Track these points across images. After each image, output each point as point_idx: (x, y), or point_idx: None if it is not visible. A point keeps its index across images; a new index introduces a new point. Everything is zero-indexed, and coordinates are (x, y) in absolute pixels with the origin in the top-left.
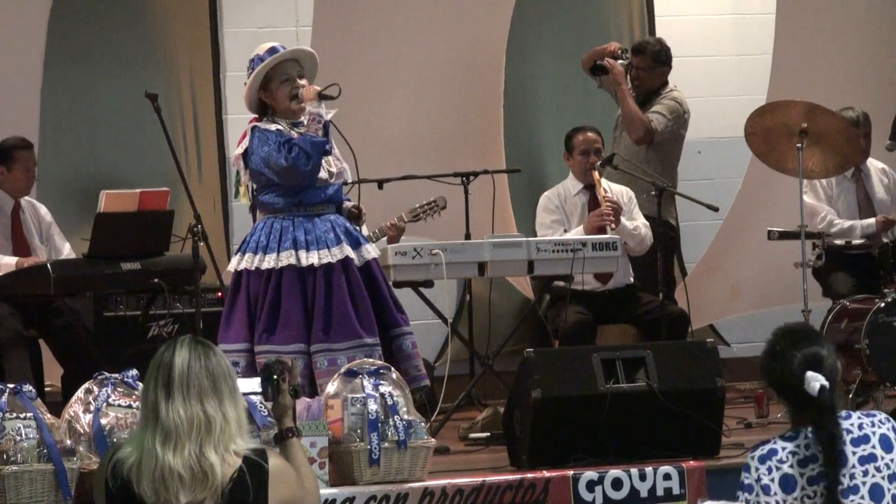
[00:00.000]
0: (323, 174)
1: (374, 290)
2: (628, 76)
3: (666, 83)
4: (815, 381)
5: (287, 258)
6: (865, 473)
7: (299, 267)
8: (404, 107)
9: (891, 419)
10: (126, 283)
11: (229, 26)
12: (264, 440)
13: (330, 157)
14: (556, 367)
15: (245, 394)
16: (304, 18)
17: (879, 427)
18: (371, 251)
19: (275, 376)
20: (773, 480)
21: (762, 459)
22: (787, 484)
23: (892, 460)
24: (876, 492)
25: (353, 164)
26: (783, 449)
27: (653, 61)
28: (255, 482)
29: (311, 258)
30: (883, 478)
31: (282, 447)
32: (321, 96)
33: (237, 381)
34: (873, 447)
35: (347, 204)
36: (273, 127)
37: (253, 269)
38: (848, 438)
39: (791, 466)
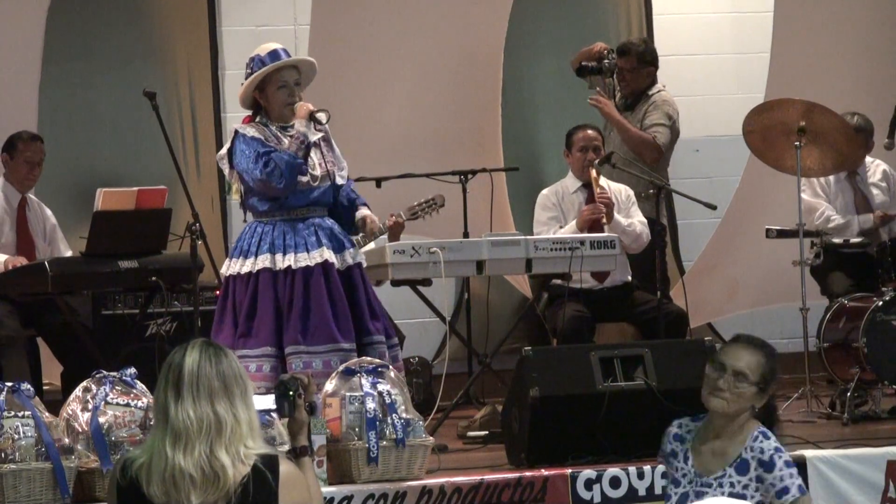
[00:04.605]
0: (304, 178)
1: (352, 296)
2: (614, 77)
3: (654, 82)
4: None
5: (262, 262)
6: None
7: (274, 270)
8: (402, 105)
9: None
10: (124, 281)
11: (228, 25)
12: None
13: (314, 161)
14: (554, 365)
15: (260, 411)
16: (302, 17)
17: None
18: (354, 256)
19: (290, 392)
20: None
21: None
22: None
23: None
24: None
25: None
26: None
27: (638, 62)
28: (264, 489)
29: (288, 260)
30: None
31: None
32: (311, 116)
33: (249, 385)
34: None
35: (362, 211)
36: (255, 133)
37: (237, 274)
38: None
39: None
